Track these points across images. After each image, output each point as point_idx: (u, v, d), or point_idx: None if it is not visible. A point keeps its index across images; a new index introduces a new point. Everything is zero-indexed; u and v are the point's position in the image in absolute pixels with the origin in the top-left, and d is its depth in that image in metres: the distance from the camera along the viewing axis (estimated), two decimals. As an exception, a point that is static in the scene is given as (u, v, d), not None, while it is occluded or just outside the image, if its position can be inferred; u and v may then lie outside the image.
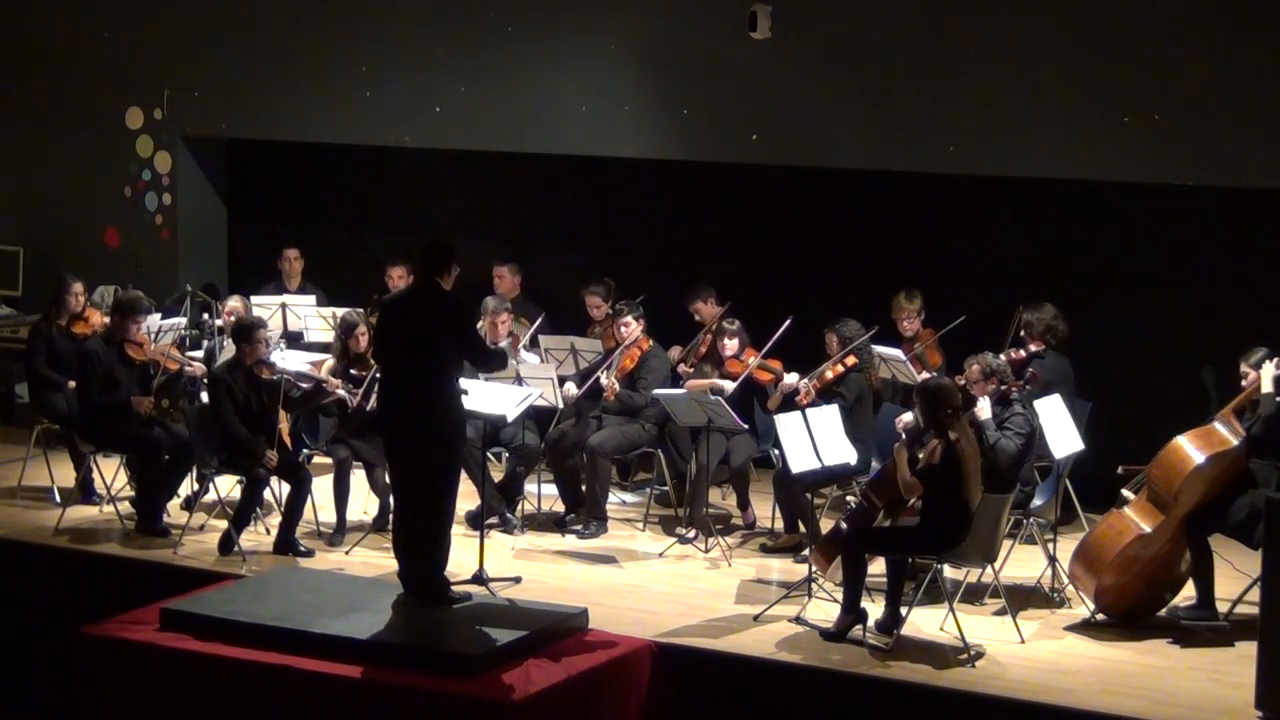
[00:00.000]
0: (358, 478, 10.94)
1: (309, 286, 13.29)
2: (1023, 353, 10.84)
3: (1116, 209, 11.70)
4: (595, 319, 12.06)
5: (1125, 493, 9.61)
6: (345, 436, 10.85)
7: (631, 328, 11.26)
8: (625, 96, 12.44)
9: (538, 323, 11.74)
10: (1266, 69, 10.67)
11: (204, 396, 11.15)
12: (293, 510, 10.56)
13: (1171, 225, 11.52)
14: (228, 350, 11.29)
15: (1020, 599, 9.72)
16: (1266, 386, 9.34)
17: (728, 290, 11.80)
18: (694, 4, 12.15)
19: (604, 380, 11.16)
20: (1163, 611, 9.54)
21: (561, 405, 11.17)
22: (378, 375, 10.40)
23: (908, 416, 9.58)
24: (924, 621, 9.33)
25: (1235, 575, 9.64)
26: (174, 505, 11.16)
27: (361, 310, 11.31)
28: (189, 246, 14.12)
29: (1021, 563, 10.18)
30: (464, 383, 9.45)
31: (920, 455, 9.08)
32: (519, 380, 10.85)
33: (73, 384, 11.31)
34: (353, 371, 10.84)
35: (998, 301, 11.40)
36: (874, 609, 9.30)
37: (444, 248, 9.20)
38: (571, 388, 11.24)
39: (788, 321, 10.79)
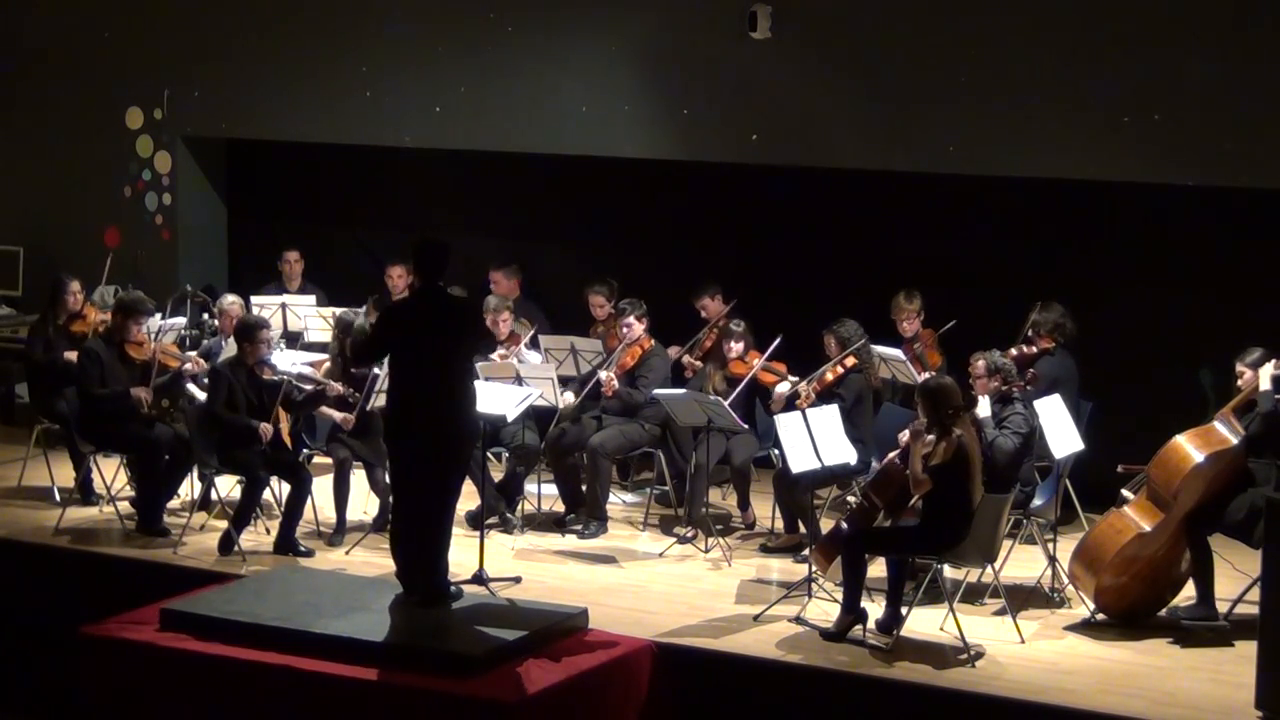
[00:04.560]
0: (358, 478, 10.93)
1: (309, 286, 13.30)
2: (1033, 349, 10.88)
3: (1116, 209, 11.71)
4: (598, 319, 12.07)
5: (1125, 492, 9.61)
6: (345, 436, 10.84)
7: (634, 327, 11.26)
8: (625, 96, 12.44)
9: (532, 333, 11.68)
10: (1266, 69, 10.67)
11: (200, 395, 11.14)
12: (293, 510, 10.55)
13: (1171, 225, 11.53)
14: (228, 349, 11.29)
15: (1020, 599, 9.72)
16: (1265, 385, 9.35)
17: (728, 290, 11.82)
18: (694, 4, 12.15)
19: (603, 375, 11.16)
20: (1163, 611, 9.55)
21: (561, 406, 11.17)
22: (376, 375, 10.42)
23: (905, 435, 9.52)
24: (924, 621, 9.33)
25: (1235, 575, 9.64)
26: (175, 505, 11.18)
27: (360, 311, 11.31)
28: (189, 246, 14.12)
29: (1021, 563, 10.18)
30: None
31: (926, 453, 9.06)
32: (519, 380, 10.86)
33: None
34: (351, 371, 10.83)
35: (997, 301, 11.42)
36: (874, 609, 9.30)
37: (441, 248, 9.16)
38: (569, 396, 11.24)
39: (777, 339, 10.80)
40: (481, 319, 9.40)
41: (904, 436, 9.25)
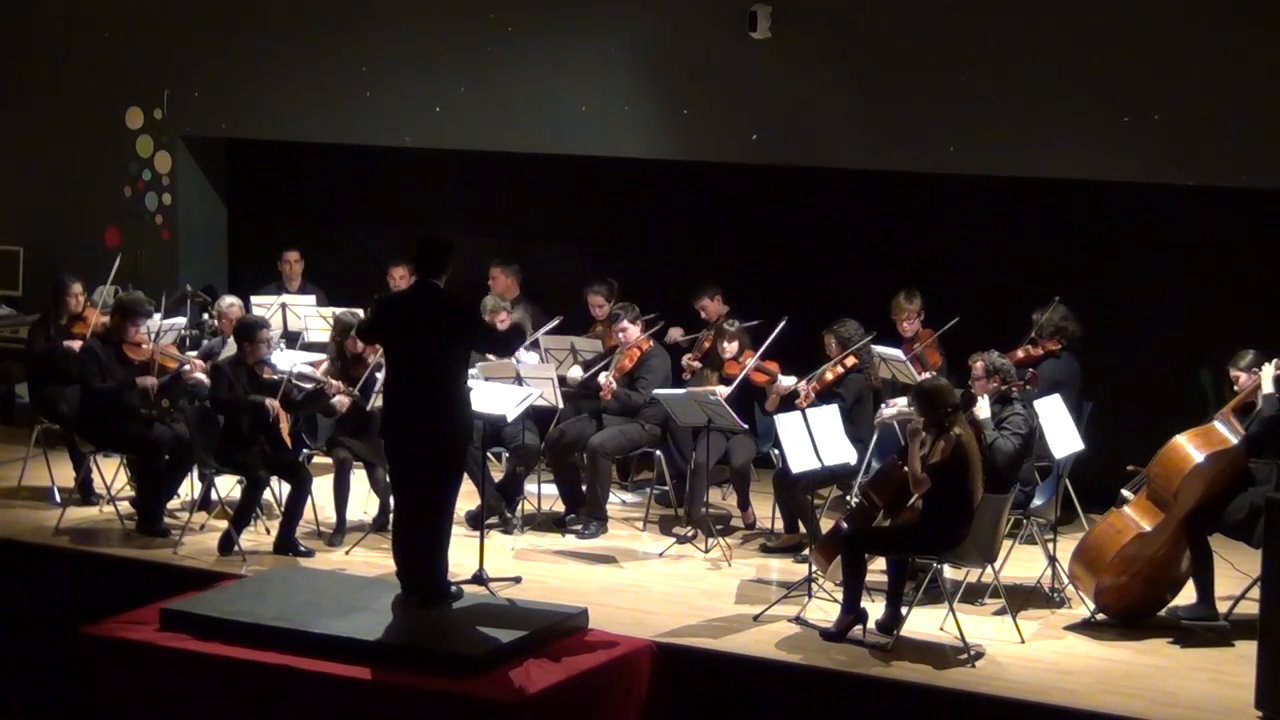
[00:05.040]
0: (358, 478, 10.94)
1: (309, 286, 13.30)
2: (1039, 350, 10.89)
3: (1116, 209, 11.70)
4: (597, 318, 12.08)
5: (1125, 492, 9.61)
6: (342, 436, 10.84)
7: (630, 331, 11.26)
8: (625, 96, 12.44)
9: (552, 324, 11.61)
10: (1266, 69, 10.67)
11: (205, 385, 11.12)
12: (293, 510, 10.55)
13: (1171, 225, 11.53)
14: (228, 350, 11.30)
15: (1020, 599, 9.72)
16: (1267, 387, 9.34)
17: (728, 291, 11.82)
18: (694, 4, 12.16)
19: (601, 379, 11.16)
20: (1163, 611, 9.55)
21: (561, 405, 11.17)
22: (376, 375, 10.43)
23: (887, 410, 9.59)
24: (924, 621, 9.33)
25: (1235, 575, 9.64)
26: (174, 505, 11.18)
27: (359, 311, 11.31)
28: (189, 246, 14.12)
29: (1021, 563, 10.19)
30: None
31: (926, 453, 9.06)
32: (519, 380, 10.85)
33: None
34: (351, 373, 10.82)
35: (997, 301, 11.42)
36: (874, 609, 9.30)
37: (442, 247, 9.17)
38: (578, 370, 11.25)
39: (783, 322, 10.80)
40: (473, 311, 9.33)
41: (885, 413, 9.28)
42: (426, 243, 9.21)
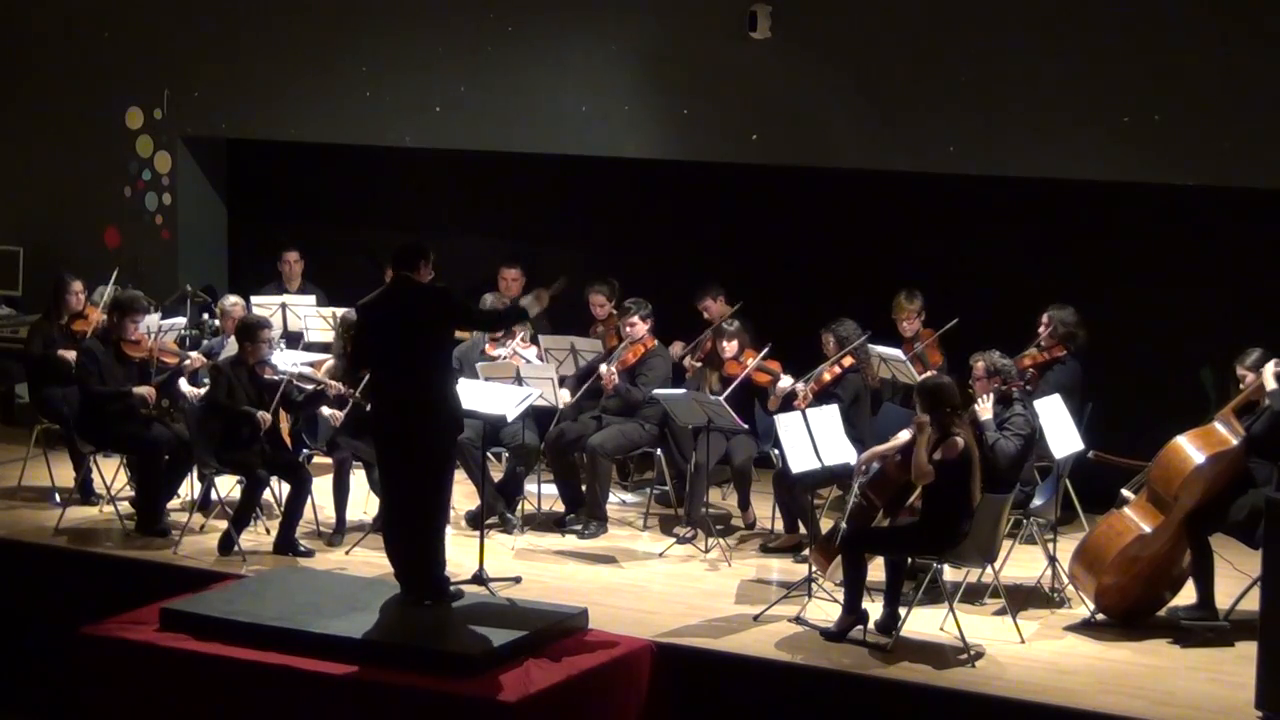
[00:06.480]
0: (358, 478, 10.94)
1: (309, 286, 13.30)
2: (1045, 356, 10.88)
3: (1117, 209, 11.71)
4: (598, 318, 12.08)
5: (1125, 492, 9.60)
6: (345, 436, 10.84)
7: (637, 327, 11.25)
8: (625, 96, 12.44)
9: (556, 284, 11.55)
10: (1266, 69, 10.67)
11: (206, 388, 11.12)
12: (293, 510, 10.56)
13: (1171, 225, 11.53)
14: (229, 349, 11.30)
15: (1020, 599, 9.72)
16: (1270, 384, 9.33)
17: (728, 291, 11.82)
18: (694, 4, 12.16)
19: (603, 369, 11.15)
20: (1163, 611, 9.54)
21: (561, 405, 11.17)
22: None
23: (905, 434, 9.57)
24: (924, 621, 9.33)
25: (1235, 575, 9.64)
26: (174, 505, 11.17)
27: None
28: (189, 246, 14.12)
29: (1021, 563, 10.19)
30: (463, 382, 9.46)
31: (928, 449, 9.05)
32: (519, 380, 10.86)
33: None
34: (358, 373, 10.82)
35: (997, 301, 11.42)
36: (874, 609, 9.30)
37: (413, 247, 9.18)
38: (565, 395, 11.24)
39: (767, 348, 10.80)
40: (446, 295, 9.23)
41: (904, 436, 9.26)
42: (402, 244, 9.27)
